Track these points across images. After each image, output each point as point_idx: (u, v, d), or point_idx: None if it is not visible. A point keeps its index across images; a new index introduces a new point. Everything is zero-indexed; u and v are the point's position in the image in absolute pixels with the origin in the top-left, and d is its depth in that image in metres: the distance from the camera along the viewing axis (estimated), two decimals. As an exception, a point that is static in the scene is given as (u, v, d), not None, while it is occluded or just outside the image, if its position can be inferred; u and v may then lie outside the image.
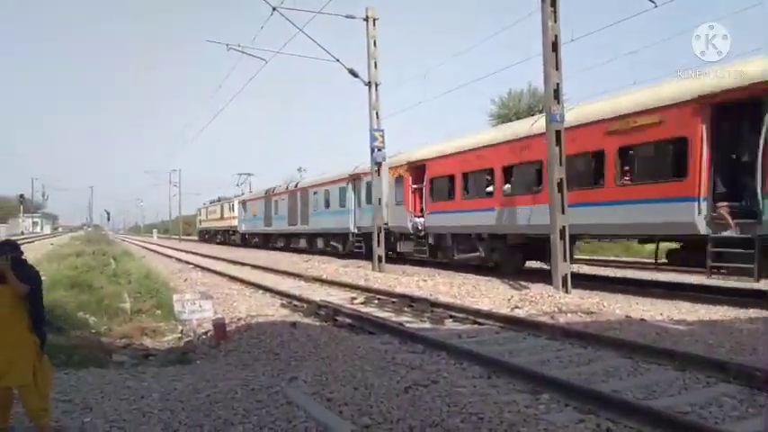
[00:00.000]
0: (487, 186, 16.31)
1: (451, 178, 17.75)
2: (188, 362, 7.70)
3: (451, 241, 18.19)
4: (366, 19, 18.44)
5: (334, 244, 27.80)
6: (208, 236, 56.69)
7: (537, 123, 14.19)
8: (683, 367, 5.75)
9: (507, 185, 15.46)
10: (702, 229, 10.05)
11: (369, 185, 21.64)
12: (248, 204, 42.09)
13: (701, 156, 10.04)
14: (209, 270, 21.36)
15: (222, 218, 50.12)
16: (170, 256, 32.40)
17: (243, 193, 49.11)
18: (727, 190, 10.17)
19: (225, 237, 50.43)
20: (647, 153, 11.81)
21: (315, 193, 30.07)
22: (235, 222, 45.69)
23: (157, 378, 6.32)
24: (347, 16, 18.42)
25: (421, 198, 19.51)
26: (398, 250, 21.73)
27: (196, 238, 65.48)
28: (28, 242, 35.75)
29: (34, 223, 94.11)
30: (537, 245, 14.55)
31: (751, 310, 9.26)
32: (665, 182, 10.92)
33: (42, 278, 4.52)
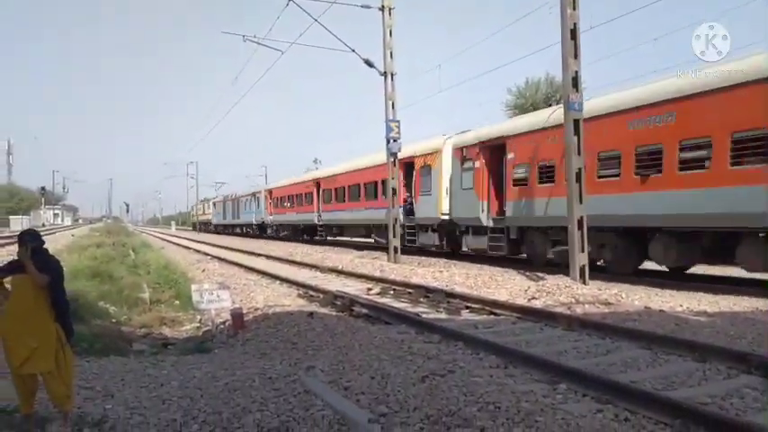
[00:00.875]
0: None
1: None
2: (206, 351, 7.81)
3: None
4: (382, 8, 18.32)
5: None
6: (199, 226, 70.91)
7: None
8: (702, 358, 5.68)
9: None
10: None
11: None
12: (217, 204, 61.22)
13: None
14: (226, 261, 21.56)
15: (204, 213, 68.98)
16: (188, 248, 32.78)
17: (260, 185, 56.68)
18: None
19: (206, 227, 66.79)
20: None
21: (246, 200, 46.39)
22: (210, 217, 64.68)
23: (177, 366, 6.43)
24: (363, 6, 18.33)
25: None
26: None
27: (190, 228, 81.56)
28: (50, 233, 36.40)
29: (55, 215, 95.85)
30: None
31: (773, 302, 9.10)
32: None
33: (63, 268, 4.55)
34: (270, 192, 41.78)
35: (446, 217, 18.58)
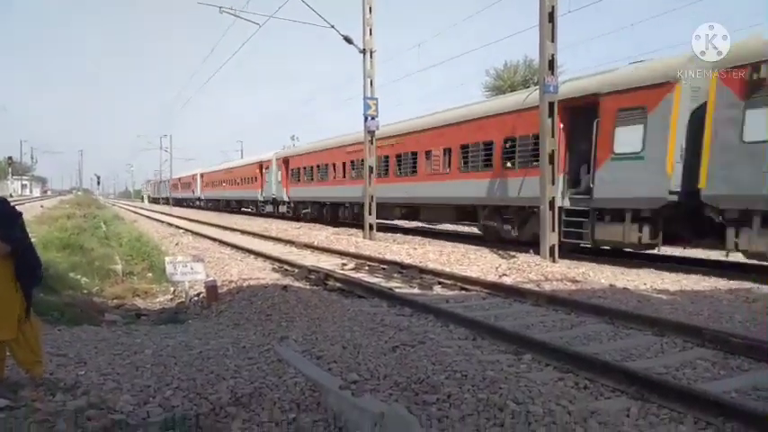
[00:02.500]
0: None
1: None
2: (180, 321, 7.84)
3: None
4: (362, -16, 18.11)
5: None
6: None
7: None
8: (661, 333, 5.95)
9: None
10: None
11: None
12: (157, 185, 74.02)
13: None
14: (200, 235, 21.41)
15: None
16: (161, 221, 32.37)
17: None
18: None
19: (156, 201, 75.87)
20: None
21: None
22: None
23: (150, 335, 6.47)
24: (342, -20, 18.08)
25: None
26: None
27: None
28: (18, 204, 35.43)
29: (23, 186, 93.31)
30: None
31: (732, 282, 9.49)
32: None
33: (30, 237, 4.50)
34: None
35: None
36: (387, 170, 21.26)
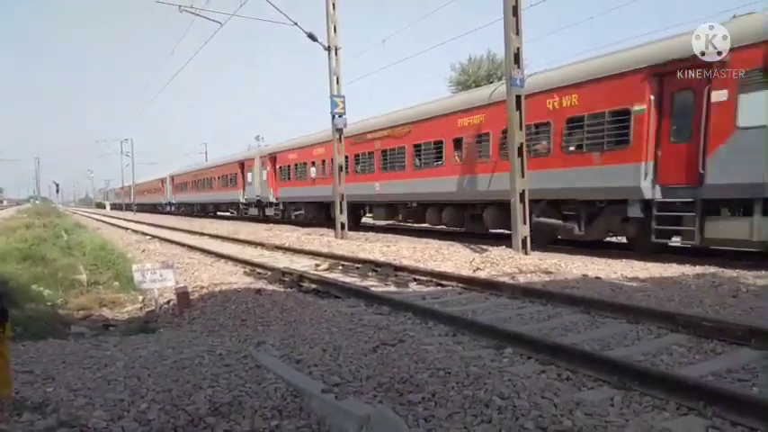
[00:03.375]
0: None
1: None
2: (151, 331, 7.60)
3: None
4: (324, -20, 17.94)
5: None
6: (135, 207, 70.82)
7: None
8: (636, 320, 6.05)
9: None
10: None
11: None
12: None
13: None
14: (167, 240, 20.91)
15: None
16: (125, 228, 31.52)
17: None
18: None
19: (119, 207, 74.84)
20: None
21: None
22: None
23: (120, 347, 6.24)
24: (304, -23, 17.88)
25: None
26: None
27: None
28: (-29, 216, 34.08)
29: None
30: None
31: (698, 267, 9.74)
32: None
33: None
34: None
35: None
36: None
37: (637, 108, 11.01)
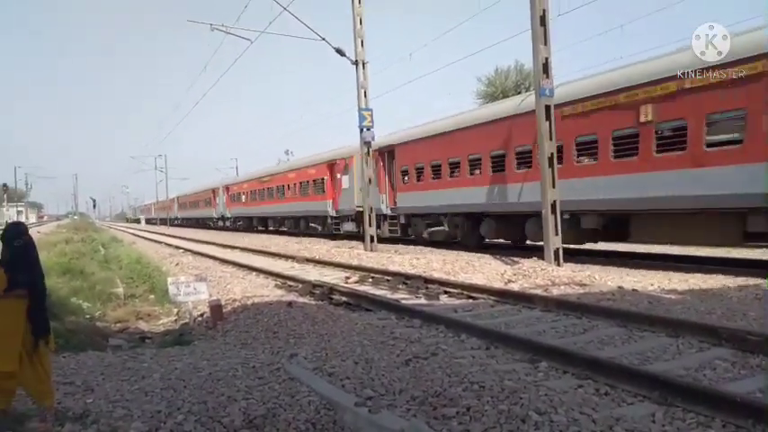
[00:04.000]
0: None
1: None
2: (186, 343, 7.72)
3: None
4: (352, -4, 18.19)
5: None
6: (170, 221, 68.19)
7: None
8: (676, 334, 5.87)
9: None
10: None
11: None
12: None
13: None
14: (200, 254, 21.29)
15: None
16: (159, 242, 32.22)
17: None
18: None
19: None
20: None
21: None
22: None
23: (157, 359, 6.34)
24: (333, -6, 18.15)
25: None
26: None
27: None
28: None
29: (18, 212, 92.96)
30: None
31: (740, 279, 9.42)
32: None
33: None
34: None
35: None
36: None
37: None
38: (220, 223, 48.41)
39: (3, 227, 5.68)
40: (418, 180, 19.65)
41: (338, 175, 25.28)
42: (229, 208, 44.59)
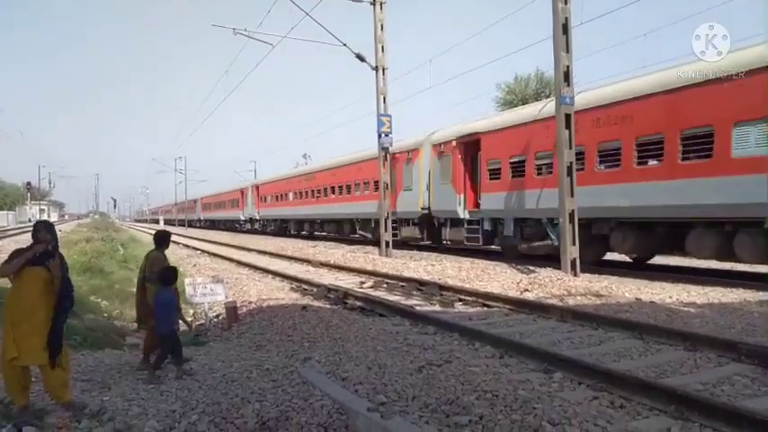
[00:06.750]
0: None
1: None
2: (201, 344, 7.79)
3: None
4: (373, 2, 18.29)
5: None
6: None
7: None
8: (693, 347, 5.78)
9: None
10: None
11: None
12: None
13: None
14: (216, 255, 21.47)
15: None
16: (177, 243, 32.51)
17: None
18: None
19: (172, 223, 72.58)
20: None
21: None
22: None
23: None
24: (354, 0, 18.28)
25: None
26: None
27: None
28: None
29: (41, 210, 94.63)
30: None
31: (761, 293, 9.25)
32: None
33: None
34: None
35: None
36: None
37: None
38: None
39: (32, 224, 5.85)
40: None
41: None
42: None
